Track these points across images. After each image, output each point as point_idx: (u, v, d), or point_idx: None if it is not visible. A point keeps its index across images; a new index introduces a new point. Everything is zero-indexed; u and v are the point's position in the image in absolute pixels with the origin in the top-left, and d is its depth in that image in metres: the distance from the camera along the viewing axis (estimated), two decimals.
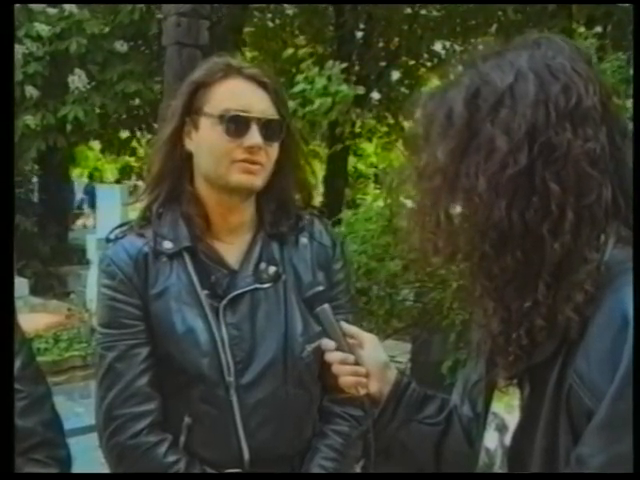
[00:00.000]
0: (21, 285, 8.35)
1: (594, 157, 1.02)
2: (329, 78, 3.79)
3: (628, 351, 0.94)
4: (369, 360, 1.36)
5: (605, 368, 0.97)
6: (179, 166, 1.68)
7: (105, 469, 1.71)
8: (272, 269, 1.69)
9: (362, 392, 1.35)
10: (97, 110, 8.58)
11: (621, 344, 0.95)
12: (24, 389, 1.63)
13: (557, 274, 1.03)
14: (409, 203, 1.20)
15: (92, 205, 14.62)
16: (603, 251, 1.03)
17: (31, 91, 8.35)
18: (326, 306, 1.41)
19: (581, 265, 1.02)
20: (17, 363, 1.64)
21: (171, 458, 1.63)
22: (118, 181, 12.19)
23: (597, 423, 0.97)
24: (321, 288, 1.48)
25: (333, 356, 1.36)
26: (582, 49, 1.12)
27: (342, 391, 1.38)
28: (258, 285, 1.67)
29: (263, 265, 1.69)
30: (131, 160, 12.83)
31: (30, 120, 8.32)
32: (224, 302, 1.64)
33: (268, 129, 1.64)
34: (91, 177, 23.57)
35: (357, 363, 1.35)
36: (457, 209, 1.08)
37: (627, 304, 0.96)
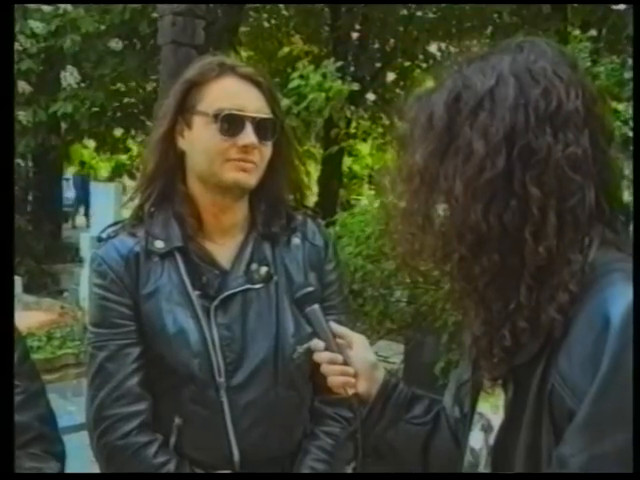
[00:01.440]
0: (15, 283, 8.33)
1: (576, 161, 1.02)
2: (324, 75, 3.79)
3: (609, 352, 0.95)
4: (357, 360, 1.37)
5: (586, 369, 0.97)
6: (172, 165, 1.68)
7: (96, 467, 1.71)
8: (264, 270, 1.68)
9: (350, 392, 1.36)
10: (91, 107, 8.55)
11: (602, 345, 0.96)
12: (20, 384, 1.64)
13: (539, 276, 1.03)
14: (402, 204, 1.20)
15: (86, 203, 14.60)
16: (587, 253, 1.04)
17: (24, 87, 8.33)
18: (316, 306, 1.43)
19: (565, 266, 1.02)
20: (13, 359, 1.65)
21: (161, 459, 1.62)
22: (111, 179, 12.14)
23: (577, 423, 0.98)
24: (311, 289, 1.49)
25: (322, 356, 1.37)
26: (566, 53, 1.13)
27: (331, 391, 1.39)
28: (250, 286, 1.66)
29: (255, 266, 1.68)
30: (124, 158, 12.80)
31: (22, 116, 8.29)
32: (215, 302, 1.64)
33: (262, 128, 1.63)
34: (81, 177, 23.57)
35: (346, 363, 1.36)
36: (437, 211, 1.10)
37: (609, 305, 0.97)
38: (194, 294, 1.63)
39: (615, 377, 0.95)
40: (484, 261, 1.05)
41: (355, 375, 1.36)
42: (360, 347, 1.40)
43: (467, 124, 1.05)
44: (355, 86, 4.07)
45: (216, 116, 1.61)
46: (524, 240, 1.02)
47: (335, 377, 1.36)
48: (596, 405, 0.96)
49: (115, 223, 1.74)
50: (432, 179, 1.08)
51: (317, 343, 1.38)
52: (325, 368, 1.36)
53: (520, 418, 1.07)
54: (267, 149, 1.66)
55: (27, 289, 9.13)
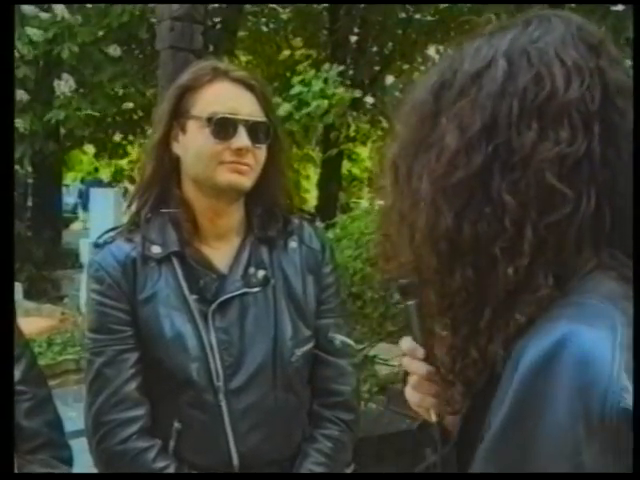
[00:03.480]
0: (15, 289, 8.33)
1: (564, 165, 0.81)
2: (325, 81, 3.80)
3: (505, 406, 0.76)
4: None
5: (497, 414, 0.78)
6: (167, 170, 1.68)
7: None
8: (261, 273, 1.68)
9: (434, 418, 1.06)
10: (90, 113, 8.55)
11: (508, 388, 0.77)
12: (29, 391, 1.66)
13: (507, 301, 0.83)
14: (381, 201, 1.10)
15: (86, 208, 14.60)
16: (565, 280, 0.83)
17: (22, 95, 8.34)
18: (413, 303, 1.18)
19: (527, 293, 0.82)
20: (21, 366, 1.67)
21: (160, 464, 1.62)
22: (110, 184, 12.15)
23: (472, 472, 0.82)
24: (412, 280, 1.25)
25: (413, 365, 1.06)
26: (588, 30, 0.89)
27: (409, 409, 1.11)
28: (247, 289, 1.66)
29: (252, 269, 1.68)
30: (123, 164, 12.81)
31: (19, 123, 8.30)
32: (213, 307, 1.64)
33: (255, 131, 1.64)
34: (82, 181, 23.58)
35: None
36: (412, 213, 0.91)
37: (526, 347, 0.77)
38: (191, 298, 1.63)
39: (507, 434, 0.77)
40: (457, 276, 0.85)
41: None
42: None
43: (446, 113, 0.87)
44: (357, 93, 4.08)
45: (209, 120, 1.61)
46: (495, 257, 0.82)
47: (417, 394, 1.07)
48: (482, 464, 0.79)
49: (112, 229, 1.74)
50: (406, 175, 0.90)
51: (408, 343, 1.07)
52: (412, 380, 1.07)
53: (469, 462, 0.85)
54: (261, 152, 1.66)
55: (27, 295, 9.13)
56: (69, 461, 1.75)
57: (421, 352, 1.04)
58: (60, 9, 8.28)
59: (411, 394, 1.07)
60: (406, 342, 1.06)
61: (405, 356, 1.07)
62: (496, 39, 0.89)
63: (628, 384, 0.71)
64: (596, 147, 0.82)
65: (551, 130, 0.82)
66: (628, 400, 0.71)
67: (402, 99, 0.98)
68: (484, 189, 0.83)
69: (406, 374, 1.08)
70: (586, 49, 0.86)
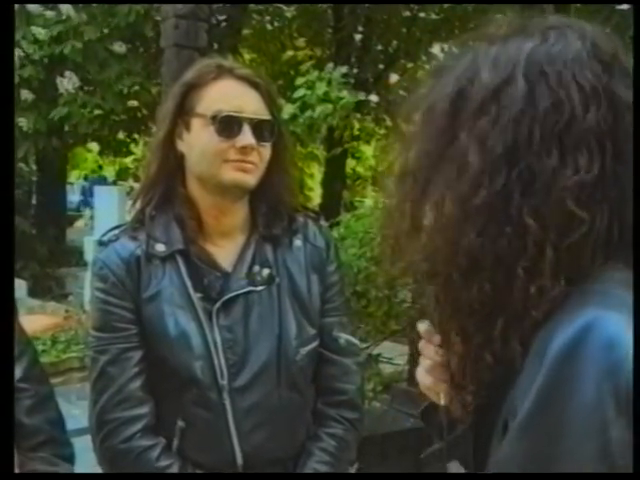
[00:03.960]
0: (19, 287, 8.34)
1: (583, 191, 0.84)
2: (329, 82, 3.80)
3: (534, 389, 0.79)
4: None
5: (524, 400, 0.81)
6: (172, 168, 1.68)
7: (100, 471, 1.71)
8: (266, 272, 1.68)
9: (443, 402, 1.08)
10: (92, 111, 8.55)
11: (535, 375, 0.80)
12: (31, 388, 1.66)
13: (522, 312, 0.86)
14: (391, 202, 1.10)
15: (87, 205, 14.62)
16: (574, 284, 0.86)
17: (26, 95, 8.35)
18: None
19: (544, 297, 0.85)
20: (23, 363, 1.67)
21: (164, 462, 1.62)
22: (115, 182, 12.16)
23: (498, 461, 0.86)
24: None
25: (427, 350, 1.08)
26: (603, 46, 0.90)
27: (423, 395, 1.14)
28: (252, 288, 1.66)
29: (257, 268, 1.68)
30: (128, 162, 12.82)
31: (23, 122, 8.31)
32: (217, 305, 1.63)
33: (260, 129, 1.63)
34: (86, 178, 23.65)
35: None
36: (426, 220, 0.93)
37: (553, 333, 0.81)
38: (196, 297, 1.63)
39: (538, 415, 0.80)
40: (474, 290, 0.88)
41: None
42: None
43: (465, 128, 0.89)
44: (362, 96, 4.07)
45: (214, 118, 1.61)
46: (517, 275, 0.85)
47: (429, 376, 1.09)
48: (514, 445, 0.82)
49: (116, 227, 1.74)
50: (424, 183, 0.92)
51: (425, 327, 1.08)
52: (422, 361, 1.10)
53: (485, 453, 0.91)
54: (266, 150, 1.66)
55: (32, 293, 9.15)
56: (71, 458, 1.75)
57: (438, 338, 1.04)
58: (65, 7, 8.28)
59: (424, 377, 1.09)
60: (423, 326, 1.07)
61: (421, 340, 1.08)
62: (513, 48, 0.90)
63: None
64: (608, 166, 0.86)
65: (570, 156, 0.85)
66: None
67: (411, 99, 1.00)
68: (505, 209, 0.86)
69: (415, 357, 1.09)
70: (600, 68, 0.88)
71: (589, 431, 0.77)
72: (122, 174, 12.81)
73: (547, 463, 0.80)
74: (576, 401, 0.77)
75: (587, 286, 0.85)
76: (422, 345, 1.08)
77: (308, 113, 3.74)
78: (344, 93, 3.80)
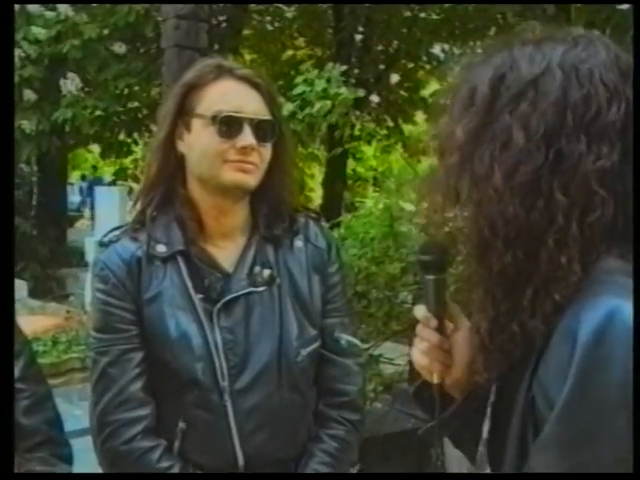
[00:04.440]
0: (20, 287, 8.35)
1: (604, 175, 0.97)
2: (328, 80, 3.79)
3: (573, 370, 0.90)
4: (459, 351, 1.19)
5: (560, 382, 0.92)
6: (172, 169, 1.67)
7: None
8: (267, 272, 1.67)
9: (435, 380, 1.18)
10: (95, 112, 8.55)
11: (571, 360, 0.91)
12: (28, 388, 1.66)
13: (549, 283, 0.98)
14: (408, 206, 1.17)
15: (84, 204, 14.62)
16: (588, 267, 0.98)
17: (29, 95, 8.34)
18: (431, 277, 1.20)
19: (563, 279, 0.97)
20: (20, 363, 1.67)
21: (165, 464, 1.62)
22: (114, 183, 12.15)
23: (540, 441, 0.95)
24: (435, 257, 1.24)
25: (423, 332, 1.18)
26: (622, 58, 1.04)
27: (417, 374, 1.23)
28: (253, 289, 1.65)
29: (257, 268, 1.67)
30: (127, 162, 12.81)
31: (25, 124, 8.31)
32: (218, 306, 1.63)
33: (261, 130, 1.63)
34: (84, 178, 23.67)
35: (445, 348, 1.19)
36: (464, 192, 1.05)
37: (582, 318, 0.92)
38: (196, 298, 1.62)
39: (578, 397, 0.91)
40: (508, 257, 0.99)
41: (449, 364, 1.19)
42: (468, 340, 1.20)
43: (507, 110, 1.00)
44: (360, 92, 4.07)
45: (214, 118, 1.60)
46: (545, 245, 0.97)
47: (425, 357, 1.18)
48: (558, 425, 0.92)
49: (117, 228, 1.73)
50: (469, 157, 1.03)
51: (422, 312, 1.19)
52: (419, 343, 1.19)
53: (506, 427, 1.03)
54: (266, 150, 1.65)
55: (32, 293, 9.15)
56: (69, 459, 1.74)
57: (434, 322, 1.17)
58: (64, 7, 8.28)
59: (420, 358, 1.19)
60: (420, 311, 1.18)
61: (419, 324, 1.19)
62: (547, 49, 1.03)
63: None
64: (616, 162, 0.98)
65: (595, 145, 0.97)
66: None
67: (456, 80, 1.12)
68: (538, 185, 0.98)
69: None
70: (619, 74, 1.01)
71: (621, 405, 0.89)
72: (121, 174, 12.78)
73: (587, 440, 0.91)
74: (609, 380, 0.89)
75: (599, 276, 0.96)
76: (419, 328, 1.18)
77: (307, 110, 3.73)
78: (343, 89, 3.79)
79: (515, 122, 0.99)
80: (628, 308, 0.90)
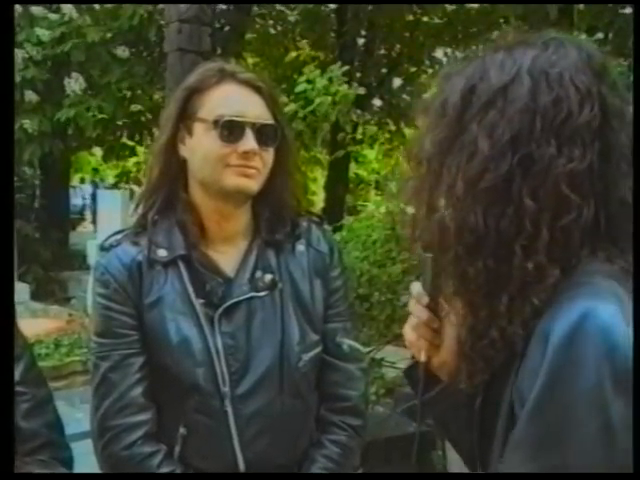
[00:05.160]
0: (22, 290, 8.35)
1: (576, 178, 0.96)
2: (330, 79, 3.79)
3: (543, 371, 0.90)
4: (450, 333, 1.18)
5: (533, 383, 0.91)
6: (174, 173, 1.67)
7: None
8: (268, 277, 1.66)
9: (422, 358, 1.20)
10: (98, 115, 8.55)
11: (543, 359, 0.90)
12: (28, 391, 1.65)
13: (523, 289, 0.98)
14: (410, 209, 1.17)
15: (93, 210, 14.64)
16: (569, 271, 0.98)
17: (30, 96, 8.35)
18: (430, 255, 1.19)
19: (540, 282, 0.97)
20: (20, 366, 1.66)
21: (165, 469, 1.61)
22: (116, 185, 12.15)
23: (511, 442, 0.95)
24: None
25: (416, 309, 1.19)
26: (595, 58, 1.03)
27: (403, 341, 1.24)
28: (254, 293, 1.65)
29: (259, 273, 1.66)
30: (129, 166, 12.82)
31: (27, 124, 8.31)
32: (219, 311, 1.62)
33: (263, 134, 1.62)
34: (83, 181, 23.68)
35: (437, 329, 1.19)
36: (441, 203, 1.05)
37: (554, 320, 0.91)
38: (198, 303, 1.62)
39: (548, 398, 0.90)
40: (479, 265, 0.99)
41: (438, 345, 1.19)
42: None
43: (476, 120, 1.00)
44: (361, 90, 4.06)
45: (216, 122, 1.60)
46: (514, 252, 0.97)
47: (413, 333, 1.19)
48: (527, 425, 0.92)
49: (118, 232, 1.73)
50: (438, 169, 1.03)
51: (417, 288, 1.20)
52: (412, 321, 1.20)
53: (492, 431, 1.03)
54: (269, 155, 1.64)
55: (35, 296, 9.14)
56: (69, 462, 1.74)
57: (426, 300, 1.17)
58: (68, 9, 8.29)
59: (409, 333, 1.20)
60: (415, 287, 1.20)
61: (412, 299, 1.20)
62: (518, 55, 1.02)
63: None
64: (595, 163, 0.98)
65: (566, 148, 0.97)
66: None
67: (422, 99, 1.13)
68: (506, 191, 0.97)
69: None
70: (593, 75, 1.01)
71: (592, 411, 0.87)
72: (123, 177, 12.78)
73: (556, 443, 0.90)
74: (579, 384, 0.88)
75: (578, 278, 0.96)
76: (411, 303, 1.20)
77: (308, 108, 3.73)
78: (344, 87, 3.79)
79: (481, 131, 1.00)
80: (604, 310, 0.89)
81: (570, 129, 0.97)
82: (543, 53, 1.01)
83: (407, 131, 13.94)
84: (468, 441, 1.16)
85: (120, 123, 9.80)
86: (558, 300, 0.94)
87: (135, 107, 9.05)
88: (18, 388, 1.65)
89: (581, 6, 8.77)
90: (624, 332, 0.88)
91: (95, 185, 22.54)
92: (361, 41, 12.95)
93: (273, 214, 1.71)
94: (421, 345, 1.19)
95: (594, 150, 0.98)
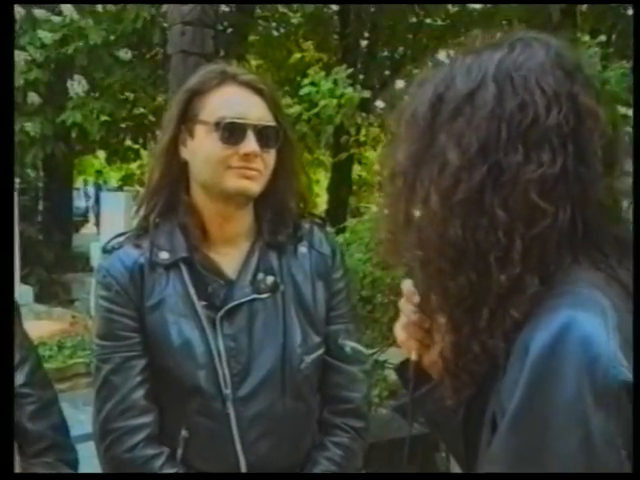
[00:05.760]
0: (25, 293, 8.36)
1: (546, 184, 0.92)
2: (335, 82, 3.79)
3: (521, 384, 0.86)
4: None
5: (511, 395, 0.88)
6: (176, 175, 1.67)
7: None
8: (270, 279, 1.66)
9: (414, 357, 1.18)
10: (101, 117, 8.56)
11: (522, 371, 0.87)
12: (34, 394, 1.66)
13: (502, 302, 0.94)
14: (414, 212, 1.15)
15: (97, 212, 14.66)
16: (549, 280, 0.94)
17: (33, 98, 8.36)
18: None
19: (519, 293, 0.93)
20: (26, 368, 1.67)
21: (168, 472, 1.61)
22: (121, 188, 12.17)
23: (488, 456, 0.92)
24: None
25: (407, 308, 1.16)
26: (565, 57, 0.99)
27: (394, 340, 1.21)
28: (256, 295, 1.65)
29: (261, 275, 1.66)
30: (133, 168, 12.83)
31: (29, 127, 8.32)
32: (221, 313, 1.62)
33: (264, 136, 1.62)
34: (86, 183, 23.71)
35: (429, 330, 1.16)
36: (417, 214, 1.01)
37: (534, 331, 0.88)
38: (199, 305, 1.61)
39: (526, 410, 0.87)
40: (461, 279, 0.95)
41: (427, 344, 1.16)
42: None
43: (445, 129, 0.97)
44: (366, 93, 4.07)
45: (217, 124, 1.60)
46: (491, 264, 0.93)
47: (403, 332, 1.16)
48: (505, 437, 0.88)
49: (120, 234, 1.73)
50: (412, 182, 1.00)
51: (408, 286, 1.15)
52: (403, 320, 1.17)
53: (477, 441, 0.99)
54: (270, 157, 1.64)
55: (38, 298, 9.15)
56: (75, 464, 1.75)
57: (417, 299, 1.12)
58: (70, 11, 8.30)
59: (399, 332, 1.17)
60: (407, 285, 1.15)
61: (403, 297, 1.16)
62: (484, 59, 0.99)
63: (624, 360, 0.84)
64: (570, 165, 0.93)
65: (534, 153, 0.93)
66: (627, 373, 0.84)
67: (398, 107, 1.09)
68: (481, 202, 0.94)
69: None
70: (563, 75, 0.96)
71: (571, 423, 0.84)
72: (127, 180, 12.80)
73: (535, 456, 0.86)
74: (558, 396, 0.85)
75: (560, 288, 0.92)
76: (402, 302, 1.16)
77: (313, 110, 3.73)
78: (349, 89, 3.79)
79: (450, 141, 0.96)
80: (585, 320, 0.86)
81: (537, 134, 0.93)
82: (509, 55, 0.98)
83: None
84: (458, 441, 1.14)
85: (124, 126, 9.82)
86: (539, 311, 0.90)
87: (138, 110, 9.06)
88: (24, 390, 1.66)
89: (584, 8, 8.77)
90: (605, 343, 0.85)
91: (98, 187, 22.59)
92: (364, 43, 12.97)
93: (275, 216, 1.71)
94: (411, 345, 1.16)
95: (567, 153, 0.93)
